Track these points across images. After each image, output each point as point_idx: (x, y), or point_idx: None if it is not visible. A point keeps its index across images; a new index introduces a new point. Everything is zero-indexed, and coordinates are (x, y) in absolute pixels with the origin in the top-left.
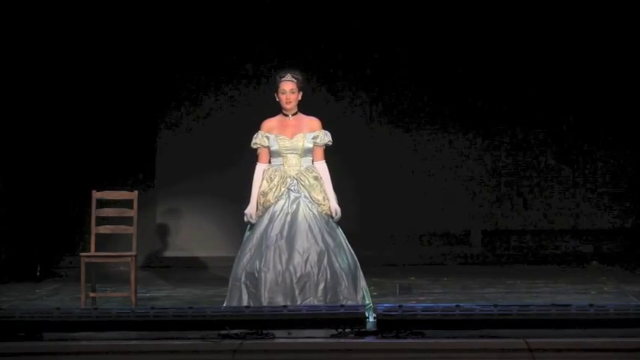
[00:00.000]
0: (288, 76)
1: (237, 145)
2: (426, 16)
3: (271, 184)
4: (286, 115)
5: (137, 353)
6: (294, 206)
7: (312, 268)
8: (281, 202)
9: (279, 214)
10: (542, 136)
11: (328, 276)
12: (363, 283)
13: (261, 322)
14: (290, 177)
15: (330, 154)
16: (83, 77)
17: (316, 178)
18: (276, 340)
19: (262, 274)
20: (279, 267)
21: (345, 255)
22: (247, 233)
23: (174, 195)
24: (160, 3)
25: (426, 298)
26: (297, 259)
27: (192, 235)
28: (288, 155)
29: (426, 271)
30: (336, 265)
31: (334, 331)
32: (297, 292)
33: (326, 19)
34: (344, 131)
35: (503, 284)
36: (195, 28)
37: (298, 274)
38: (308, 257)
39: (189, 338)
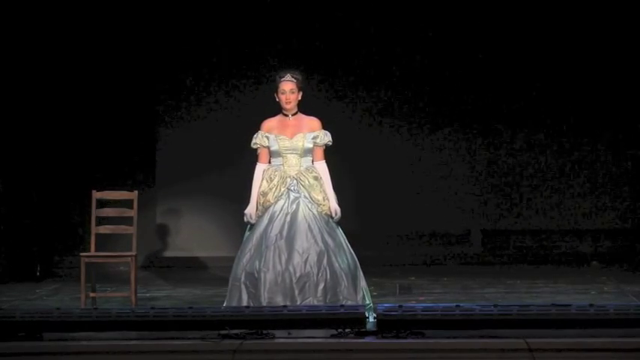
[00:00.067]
0: (288, 76)
1: (237, 145)
2: (425, 16)
3: (271, 184)
4: (286, 115)
5: (137, 353)
6: (294, 206)
7: (311, 268)
8: (281, 202)
9: (278, 214)
10: (542, 136)
11: (328, 276)
12: (363, 283)
13: (261, 322)
14: (290, 177)
15: (330, 154)
16: (83, 77)
17: (316, 178)
18: (276, 340)
19: (262, 275)
20: (278, 267)
21: (345, 255)
22: (247, 233)
23: (174, 195)
24: (159, 3)
25: (426, 298)
26: (297, 259)
27: (192, 235)
28: (288, 155)
29: (426, 271)
30: (336, 265)
31: (334, 331)
32: (296, 292)
33: (326, 19)
34: (344, 131)
35: (503, 284)
36: (195, 28)
37: (298, 275)
38: (307, 257)
39: (189, 338)
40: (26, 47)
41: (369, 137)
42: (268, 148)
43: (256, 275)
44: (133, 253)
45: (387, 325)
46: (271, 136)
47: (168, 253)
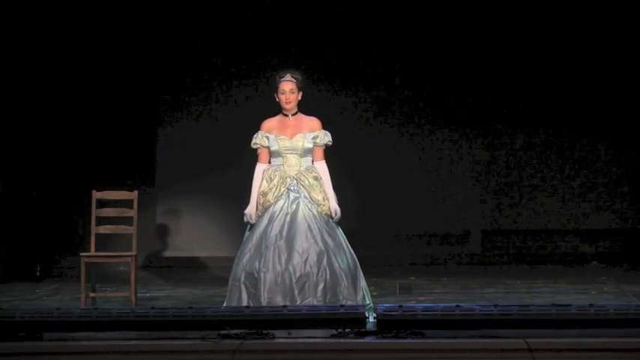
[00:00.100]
0: (288, 76)
1: (237, 145)
2: (425, 16)
3: (271, 184)
4: (286, 115)
5: (137, 353)
6: (294, 206)
7: (311, 268)
8: (281, 202)
9: (278, 214)
10: (542, 136)
11: (328, 276)
12: (363, 283)
13: (261, 322)
14: (290, 177)
15: (330, 154)
16: (83, 77)
17: (316, 179)
18: (276, 340)
19: (261, 275)
20: (278, 267)
21: (345, 255)
22: (247, 233)
23: (174, 195)
24: (159, 3)
25: (426, 298)
26: (297, 259)
27: (192, 235)
28: (288, 155)
29: (426, 271)
30: (336, 265)
31: (334, 331)
32: (296, 292)
33: (326, 19)
34: (344, 131)
35: (503, 284)
36: (195, 28)
37: (297, 275)
38: (307, 257)
39: (189, 338)
40: (26, 47)
41: (369, 137)
42: (268, 148)
43: (256, 275)
44: (133, 253)
45: (387, 325)
46: (271, 136)
47: (168, 253)
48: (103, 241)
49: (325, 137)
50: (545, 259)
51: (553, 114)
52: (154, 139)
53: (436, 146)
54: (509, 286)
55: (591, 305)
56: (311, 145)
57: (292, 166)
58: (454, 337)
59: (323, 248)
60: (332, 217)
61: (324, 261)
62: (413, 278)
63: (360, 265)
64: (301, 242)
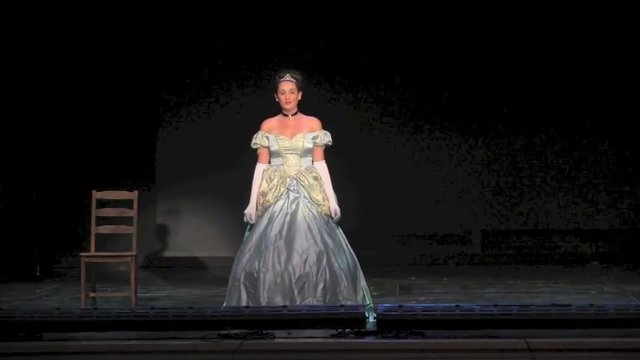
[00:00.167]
0: (288, 76)
1: (237, 145)
2: (425, 16)
3: (271, 185)
4: (286, 116)
5: (137, 353)
6: (294, 206)
7: (310, 268)
8: (280, 203)
9: (278, 215)
10: (542, 136)
11: (327, 276)
12: (363, 283)
13: (261, 322)
14: (289, 177)
15: (330, 154)
16: (83, 77)
17: (316, 179)
18: (276, 340)
19: (261, 275)
20: (277, 267)
21: (345, 255)
22: (247, 233)
23: (174, 195)
24: (159, 3)
25: (426, 298)
26: (296, 259)
27: (192, 235)
28: (288, 155)
29: (426, 271)
30: (335, 265)
31: (334, 331)
32: (296, 292)
33: (326, 19)
34: (344, 131)
35: (503, 284)
36: (196, 28)
37: (297, 275)
38: (307, 257)
39: (189, 338)
40: (26, 47)
41: (369, 137)
42: (268, 148)
43: (255, 275)
44: (133, 253)
45: (387, 325)
46: (271, 136)
47: (168, 253)
48: (103, 241)
49: (325, 137)
50: (545, 259)
51: (553, 114)
52: (154, 139)
53: (436, 146)
54: (509, 286)
55: (591, 305)
56: (311, 145)
57: (292, 166)
58: (454, 337)
59: (323, 248)
60: (332, 218)
61: (324, 261)
62: (413, 278)
63: (360, 265)
64: (301, 242)
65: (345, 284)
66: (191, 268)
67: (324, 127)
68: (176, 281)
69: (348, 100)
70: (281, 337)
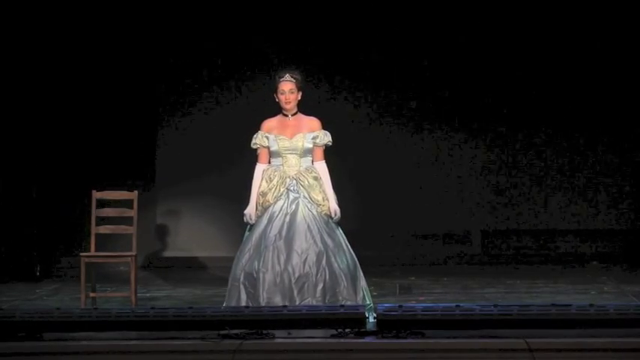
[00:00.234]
0: (287, 77)
1: (237, 145)
2: (425, 16)
3: (270, 185)
4: (286, 116)
5: (137, 353)
6: (294, 206)
7: (310, 268)
8: (280, 203)
9: (278, 215)
10: (542, 136)
11: (327, 276)
12: (363, 283)
13: (261, 322)
14: (289, 177)
15: (330, 154)
16: (83, 77)
17: (316, 179)
18: (276, 340)
19: (261, 275)
20: (277, 267)
21: (345, 255)
22: (247, 233)
23: (174, 195)
24: (159, 4)
25: (426, 298)
26: (296, 259)
27: (192, 235)
28: (288, 155)
29: (426, 271)
30: (335, 265)
31: (334, 331)
32: (295, 292)
33: (326, 18)
34: (344, 131)
35: (503, 284)
36: (195, 28)
37: (297, 275)
38: (306, 258)
39: (189, 338)
40: (26, 47)
41: (369, 137)
42: (268, 148)
43: (255, 275)
44: (133, 253)
45: (387, 325)
46: (271, 137)
47: (168, 253)
48: (103, 241)
49: (325, 137)
50: (545, 259)
51: (553, 114)
52: (154, 139)
53: (436, 146)
54: (509, 286)
55: (591, 305)
56: (311, 146)
57: (292, 166)
58: (454, 337)
59: (322, 249)
60: (332, 218)
61: (324, 261)
62: (413, 278)
63: (360, 265)
64: (300, 242)
65: (345, 284)
66: (191, 268)
67: (324, 127)
68: (176, 281)
69: (348, 100)
70: (281, 337)
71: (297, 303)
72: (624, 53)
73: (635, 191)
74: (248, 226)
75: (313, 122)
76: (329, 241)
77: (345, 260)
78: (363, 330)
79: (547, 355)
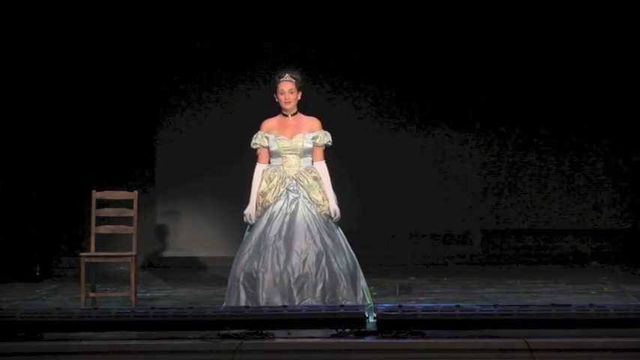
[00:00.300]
0: (287, 77)
1: (237, 145)
2: (426, 16)
3: (270, 185)
4: (286, 116)
5: (137, 353)
6: (293, 207)
7: (310, 268)
8: (280, 203)
9: (277, 215)
10: (542, 136)
11: (327, 277)
12: (363, 283)
13: (261, 322)
14: (289, 177)
15: (330, 154)
16: (83, 77)
17: (315, 179)
18: (276, 340)
19: (260, 275)
20: (277, 267)
21: (344, 255)
22: (247, 233)
23: (174, 195)
24: (159, 3)
25: (426, 298)
26: (295, 259)
27: (192, 235)
28: (288, 156)
29: (426, 271)
30: (335, 265)
31: (334, 331)
32: (295, 292)
33: (326, 18)
34: (344, 131)
35: (503, 284)
36: (195, 28)
37: (296, 275)
38: (306, 258)
39: (189, 338)
40: (26, 47)
41: (369, 137)
42: (268, 148)
43: (255, 275)
44: (133, 253)
45: (387, 325)
46: (271, 137)
47: (168, 253)
48: (103, 241)
49: (325, 137)
50: (545, 259)
51: (553, 114)
52: (154, 140)
53: (436, 146)
54: (509, 286)
55: (591, 305)
56: (310, 146)
57: (292, 166)
58: (454, 337)
59: (322, 249)
60: (331, 218)
61: (323, 261)
62: (413, 278)
63: (360, 265)
64: (300, 243)
65: (345, 284)
66: (191, 268)
67: (324, 127)
68: (176, 281)
69: (348, 100)
70: (281, 337)
71: (297, 303)
72: (624, 53)
73: (635, 191)
74: (248, 226)
75: (313, 122)
76: (329, 241)
77: (344, 260)
78: (363, 330)
79: (547, 355)
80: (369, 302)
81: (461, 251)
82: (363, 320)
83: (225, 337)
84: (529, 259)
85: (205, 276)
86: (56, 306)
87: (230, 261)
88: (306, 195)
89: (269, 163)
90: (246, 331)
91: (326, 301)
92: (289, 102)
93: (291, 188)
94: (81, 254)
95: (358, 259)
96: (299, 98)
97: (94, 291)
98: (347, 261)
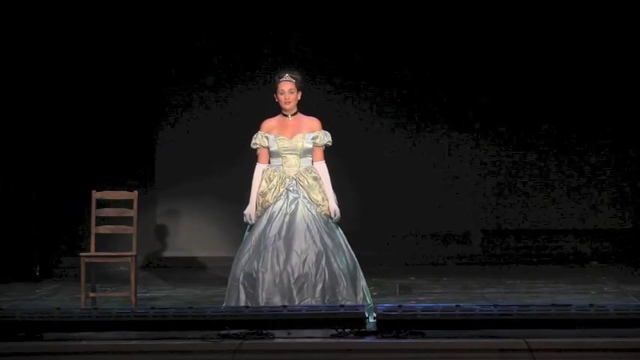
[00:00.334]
0: (287, 77)
1: (237, 145)
2: (426, 16)
3: (270, 185)
4: (286, 116)
5: (137, 353)
6: (293, 207)
7: (309, 268)
8: (280, 203)
9: (277, 215)
10: (542, 136)
11: (326, 277)
12: (363, 283)
13: (261, 322)
14: (289, 177)
15: (330, 154)
16: (83, 77)
17: (315, 179)
18: (276, 340)
19: (260, 275)
20: (276, 268)
21: (344, 255)
22: (247, 233)
23: (174, 195)
24: (160, 4)
25: (426, 298)
26: (295, 259)
27: (192, 235)
28: (288, 156)
29: (426, 271)
30: (335, 265)
31: (334, 331)
32: (294, 292)
33: (326, 18)
34: (344, 131)
35: (503, 284)
36: (195, 28)
37: (296, 275)
38: (306, 258)
39: (189, 338)
40: (26, 47)
41: (369, 137)
42: (268, 148)
43: (254, 275)
44: (133, 253)
45: (387, 325)
46: (271, 137)
47: (168, 253)
48: (103, 241)
49: (325, 137)
50: (545, 259)
51: (553, 114)
52: (154, 140)
53: (436, 146)
54: (509, 286)
55: (591, 305)
56: (310, 146)
57: (292, 166)
58: (454, 337)
59: (322, 249)
60: (331, 218)
61: (323, 261)
62: (413, 278)
63: (360, 265)
64: (300, 243)
65: (345, 285)
66: (191, 268)
67: (324, 127)
68: (176, 281)
69: (348, 100)
70: (281, 337)
71: (297, 303)
72: (624, 53)
73: (635, 191)
74: (248, 226)
75: (313, 122)
76: (328, 242)
77: (344, 260)
78: (363, 330)
79: (547, 355)
80: (369, 302)
81: (461, 251)
82: (363, 320)
83: (225, 337)
84: (529, 259)
85: (205, 276)
86: (56, 306)
87: (230, 261)
88: (306, 195)
89: (269, 163)
90: (246, 331)
91: (326, 301)
92: (289, 102)
93: (291, 188)
94: (81, 254)
95: (358, 259)
96: (299, 98)
97: (94, 291)
98: (347, 261)
